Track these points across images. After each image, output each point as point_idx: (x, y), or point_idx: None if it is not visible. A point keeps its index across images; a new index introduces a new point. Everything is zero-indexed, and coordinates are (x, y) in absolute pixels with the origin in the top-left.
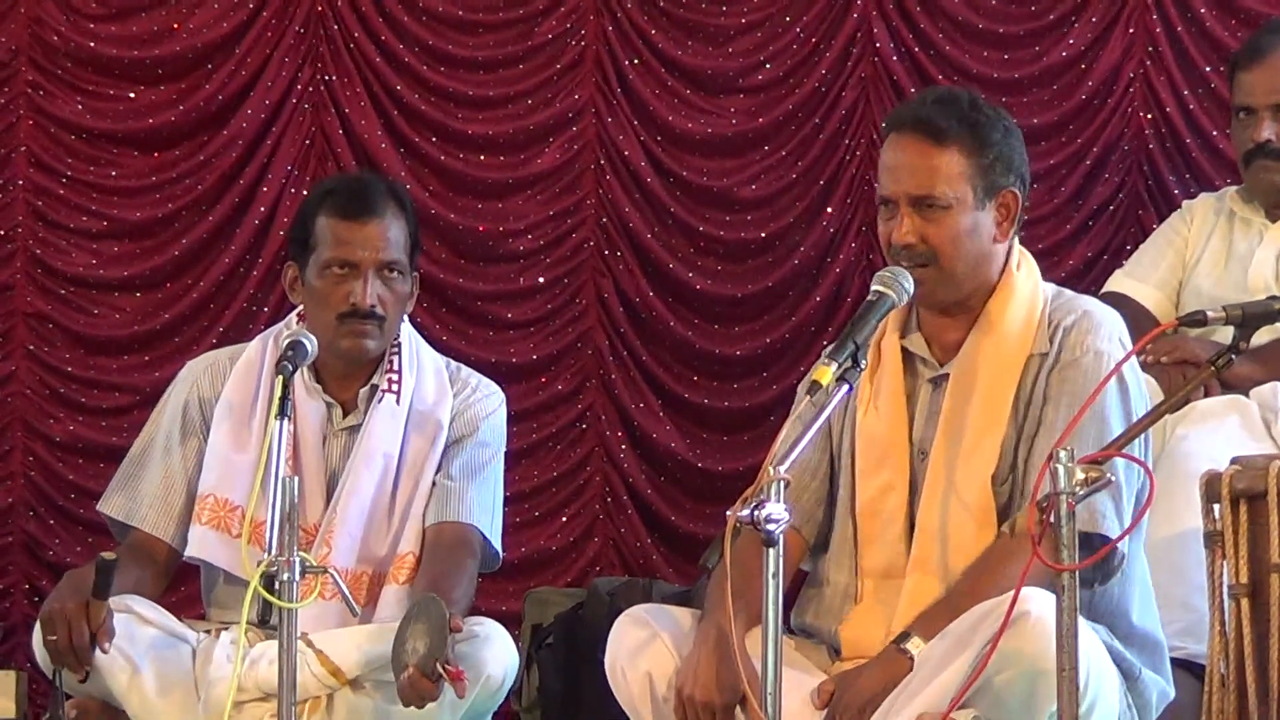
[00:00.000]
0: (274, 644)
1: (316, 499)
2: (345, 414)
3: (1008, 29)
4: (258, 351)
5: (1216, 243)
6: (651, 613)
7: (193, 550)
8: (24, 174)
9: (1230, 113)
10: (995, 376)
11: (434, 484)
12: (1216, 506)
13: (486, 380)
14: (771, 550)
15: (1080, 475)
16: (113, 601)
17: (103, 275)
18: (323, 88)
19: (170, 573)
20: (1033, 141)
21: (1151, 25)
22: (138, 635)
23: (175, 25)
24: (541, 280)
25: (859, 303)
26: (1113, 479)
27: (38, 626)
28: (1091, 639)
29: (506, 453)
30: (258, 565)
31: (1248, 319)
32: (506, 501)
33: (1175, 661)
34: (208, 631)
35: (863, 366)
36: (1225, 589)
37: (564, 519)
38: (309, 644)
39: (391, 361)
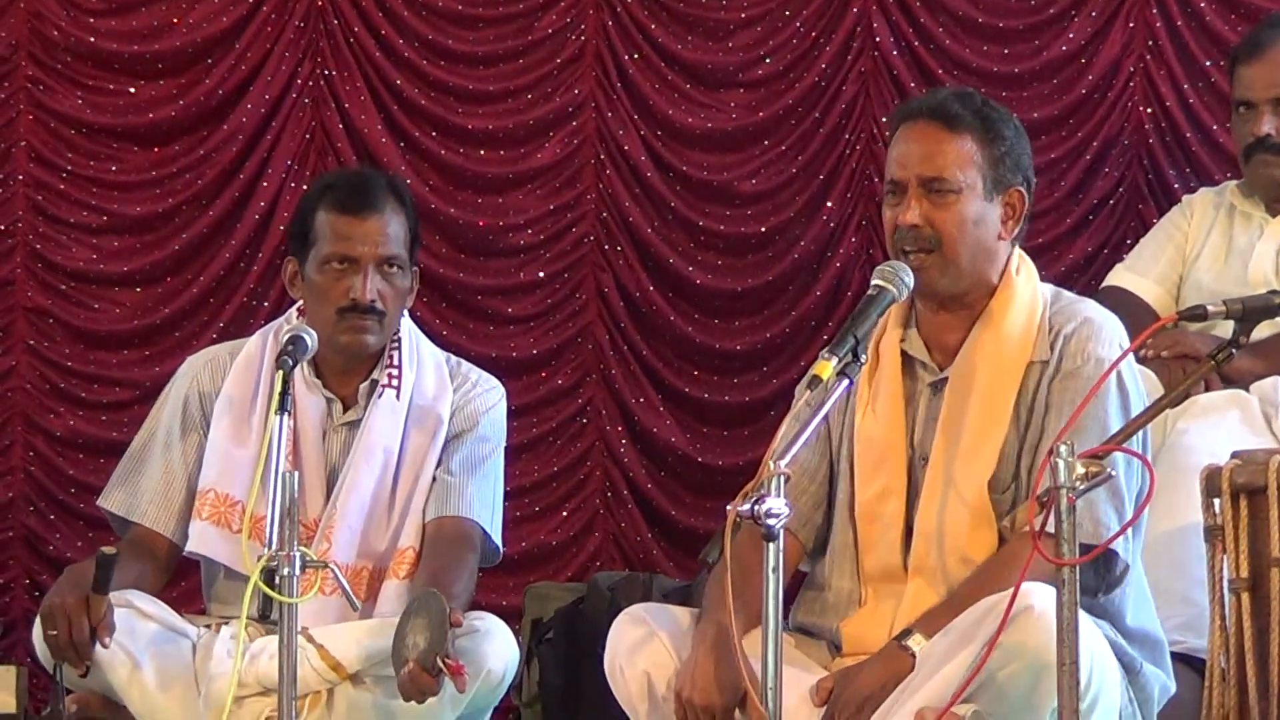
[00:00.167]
0: (274, 639)
1: (317, 494)
2: (345, 409)
3: (1007, 23)
4: (258, 346)
5: (1217, 237)
6: (650, 611)
7: (193, 545)
8: (24, 169)
9: (1230, 107)
10: (994, 382)
11: (434, 479)
12: (1217, 501)
13: (487, 375)
14: (772, 545)
15: (1080, 470)
16: (113, 596)
17: (103, 270)
18: (322, 82)
19: (171, 568)
20: (1033, 136)
21: (1151, 19)
22: (138, 630)
23: (175, 20)
24: (541, 275)
25: (859, 297)
26: (1112, 473)
27: (38, 621)
28: (1093, 633)
29: (507, 447)
30: (258, 560)
31: (1248, 313)
32: (507, 496)
33: (1176, 656)
34: (208, 626)
35: (863, 361)
36: (1225, 583)
37: (564, 514)
38: (309, 639)
39: (391, 356)
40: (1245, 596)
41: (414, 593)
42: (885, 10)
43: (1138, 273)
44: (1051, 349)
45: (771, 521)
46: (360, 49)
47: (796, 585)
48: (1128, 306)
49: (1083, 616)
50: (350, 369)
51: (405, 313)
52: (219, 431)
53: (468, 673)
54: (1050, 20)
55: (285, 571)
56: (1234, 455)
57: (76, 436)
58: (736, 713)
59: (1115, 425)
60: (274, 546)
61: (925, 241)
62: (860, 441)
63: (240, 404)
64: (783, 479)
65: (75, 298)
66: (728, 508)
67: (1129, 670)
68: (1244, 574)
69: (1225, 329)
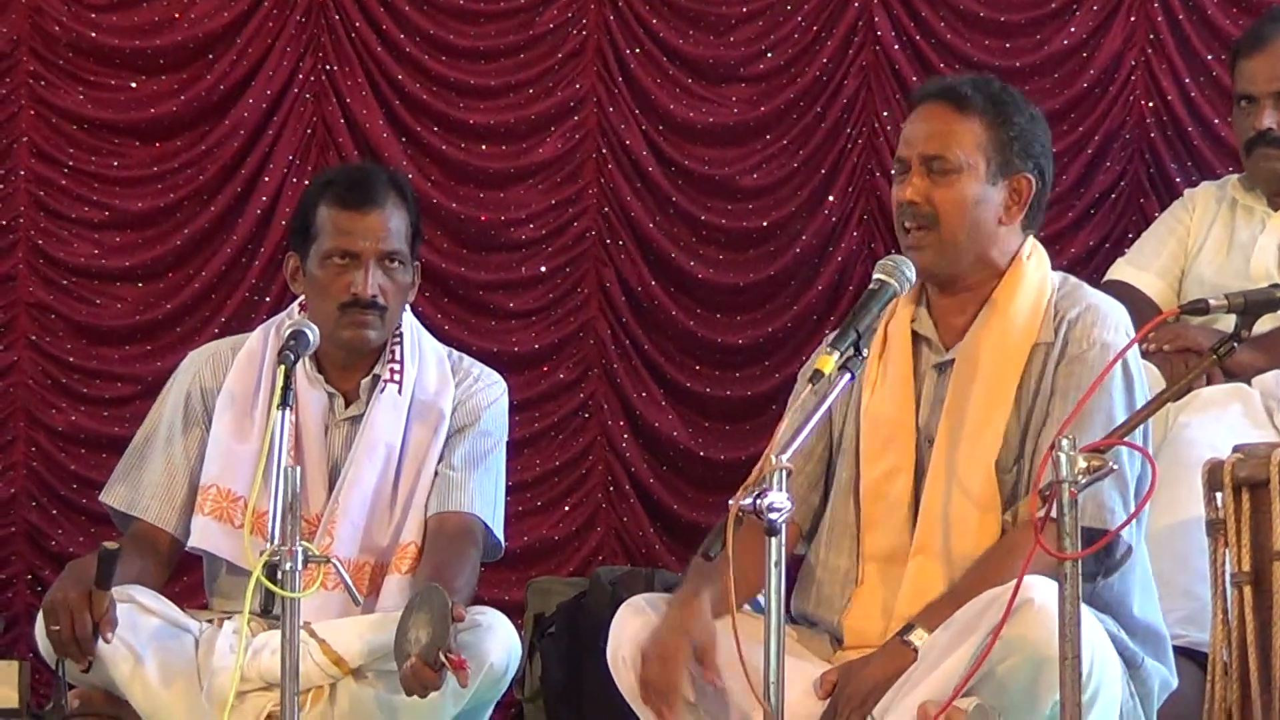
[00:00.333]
0: (277, 634)
1: (319, 489)
2: (347, 404)
3: (1009, 17)
4: (259, 342)
5: (1218, 231)
6: (652, 602)
7: (195, 541)
8: (26, 164)
9: (1232, 100)
10: (999, 363)
11: (436, 474)
12: (1219, 495)
13: (488, 370)
14: (774, 539)
15: (1082, 464)
16: (115, 591)
17: (105, 265)
18: (324, 77)
19: (173, 563)
20: None
21: (1153, 13)
22: (140, 625)
23: (176, 15)
24: (543, 269)
25: (861, 291)
26: (1115, 467)
27: (40, 617)
28: (1095, 627)
29: (508, 442)
30: (260, 555)
31: (1250, 307)
32: (509, 491)
33: (1178, 650)
34: (210, 621)
35: (865, 355)
36: (1227, 577)
37: (566, 508)
38: (312, 634)
39: (393, 351)
40: (1247, 590)
41: (416, 588)
42: (887, 4)
43: (1139, 266)
44: (1056, 332)
45: (774, 516)
46: (361, 44)
47: (792, 572)
48: (1129, 300)
49: (1084, 610)
50: (352, 364)
51: (407, 308)
52: (221, 427)
53: (470, 667)
54: (1052, 14)
55: (287, 566)
56: (1236, 449)
57: (78, 432)
58: (687, 689)
59: (1120, 412)
60: (276, 541)
61: (923, 219)
62: (867, 420)
63: (242, 399)
64: (784, 473)
65: (77, 293)
66: (729, 502)
67: (1130, 664)
68: (1246, 568)
69: (1227, 323)
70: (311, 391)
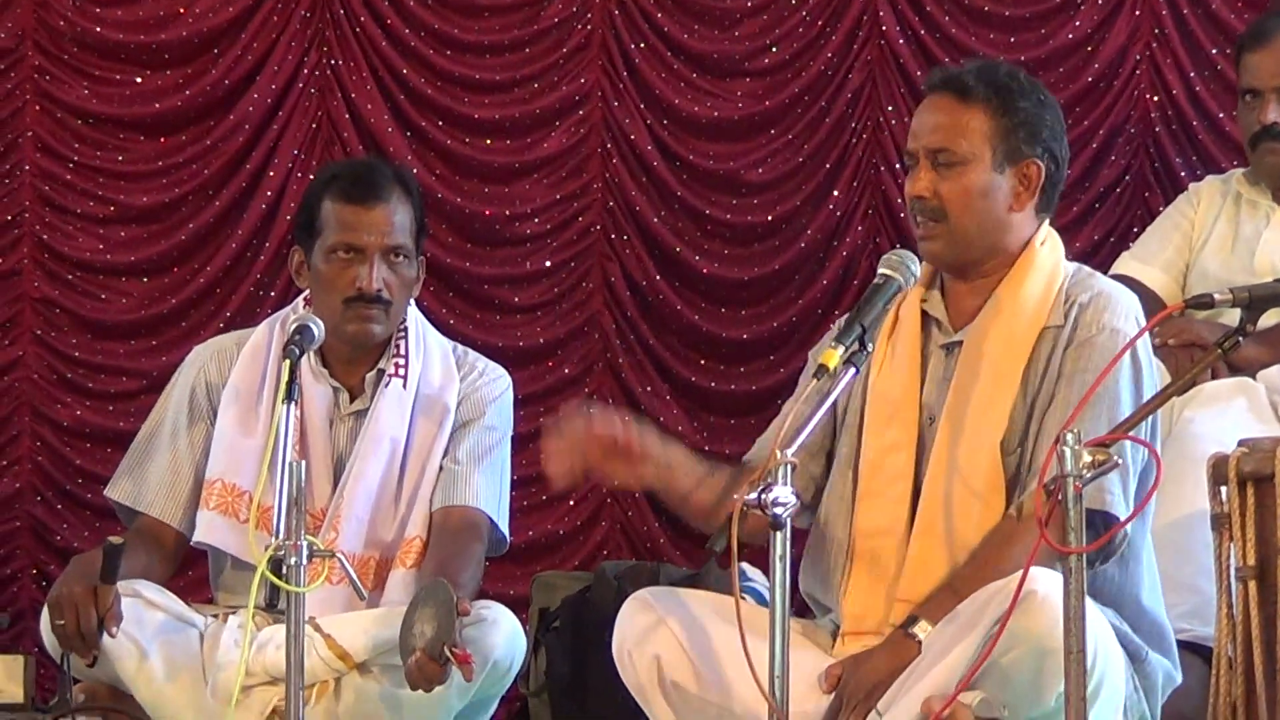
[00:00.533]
0: (281, 628)
1: (324, 483)
2: (352, 398)
3: (1013, 11)
4: (264, 336)
5: (1223, 225)
6: (658, 596)
7: (200, 535)
8: (30, 159)
9: (1237, 95)
10: (1007, 347)
11: (441, 468)
12: (1224, 489)
13: (493, 364)
14: (779, 534)
15: (1087, 458)
16: (120, 586)
17: (110, 260)
18: (329, 72)
19: (178, 557)
20: None
21: (1158, 7)
22: (145, 620)
23: (181, 10)
24: (548, 264)
25: (866, 286)
26: (1119, 461)
27: (45, 611)
28: (1099, 619)
29: (513, 436)
30: (265, 550)
31: (1255, 301)
32: (514, 485)
33: (1182, 644)
34: (215, 616)
35: (870, 350)
36: (1232, 571)
37: (571, 503)
38: (316, 628)
39: (398, 346)
40: (1252, 584)
41: (421, 582)
42: None
43: (1144, 261)
44: (1066, 316)
45: (779, 510)
46: (366, 38)
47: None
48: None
49: (1088, 603)
50: (357, 358)
51: (412, 302)
52: (226, 421)
53: (474, 662)
54: (1056, 9)
55: (292, 561)
56: (1241, 443)
57: (83, 426)
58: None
59: (1126, 400)
60: (281, 536)
61: (932, 212)
62: (874, 395)
63: (247, 394)
64: (789, 468)
65: (82, 288)
66: (734, 496)
67: (1134, 658)
68: (1251, 562)
69: (1232, 317)
70: (316, 386)
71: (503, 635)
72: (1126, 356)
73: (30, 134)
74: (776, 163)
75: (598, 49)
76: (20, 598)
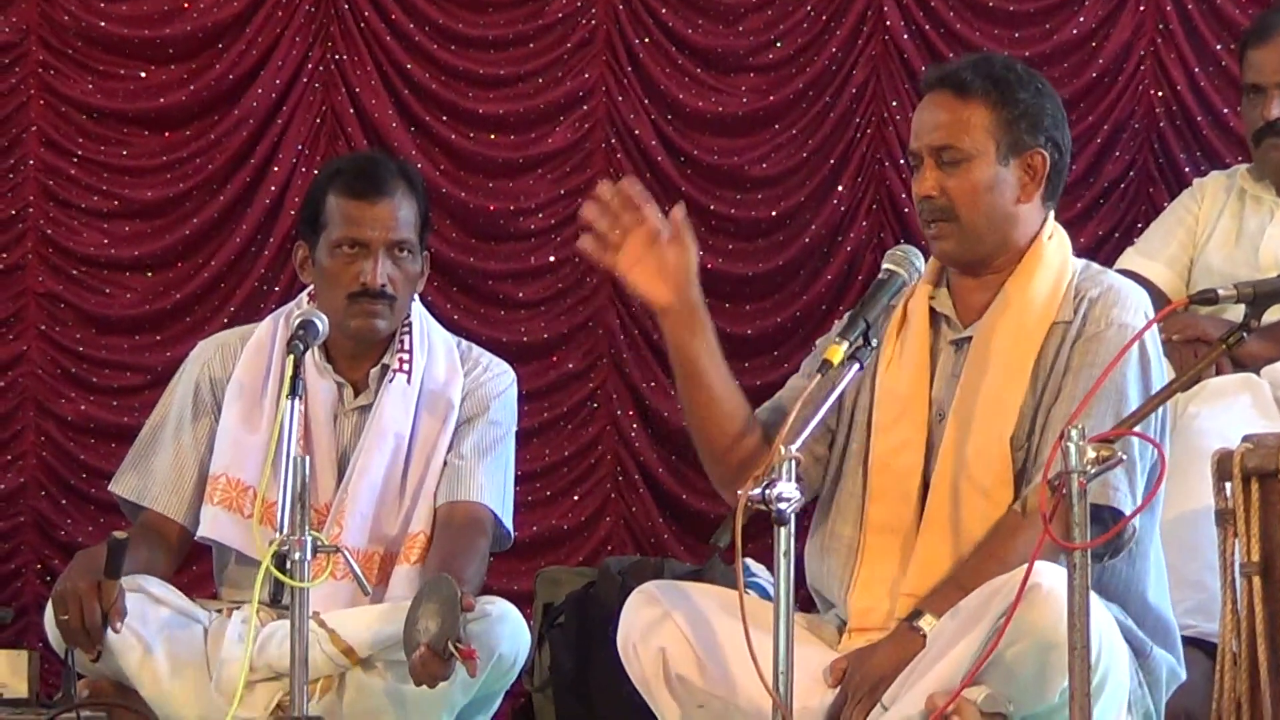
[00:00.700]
0: (286, 623)
1: (328, 479)
2: (356, 394)
3: (1018, 6)
4: (268, 331)
5: (1227, 220)
6: (663, 590)
7: (204, 530)
8: (35, 154)
9: (1241, 90)
10: (1016, 342)
11: (445, 463)
12: (1228, 485)
13: (497, 359)
14: (783, 529)
15: (1091, 454)
16: (125, 581)
17: (114, 255)
18: (333, 67)
19: (182, 552)
20: None
21: (1162, 2)
22: (150, 615)
23: (185, 4)
24: (552, 259)
25: (870, 281)
26: (1124, 458)
27: (49, 606)
28: (1103, 613)
29: (518, 432)
30: (269, 545)
31: (1259, 297)
32: (518, 481)
33: (1187, 640)
34: (219, 611)
35: (874, 345)
36: (1237, 567)
37: (575, 498)
38: (321, 623)
39: (402, 341)
40: (1257, 580)
41: (425, 577)
42: None
43: (1148, 256)
44: (1075, 311)
45: (782, 506)
46: (371, 33)
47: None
48: None
49: (1093, 598)
50: (361, 354)
51: (416, 297)
52: (230, 417)
53: (479, 657)
54: (1061, 4)
55: (296, 556)
56: (1245, 439)
57: (87, 421)
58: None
59: (1133, 394)
60: (285, 531)
61: (940, 211)
62: (882, 392)
63: (251, 389)
64: (793, 463)
65: (86, 283)
66: (739, 492)
67: (1139, 653)
68: (1255, 558)
69: (1236, 312)
70: (320, 381)
71: (507, 630)
72: (1135, 352)
73: (34, 129)
74: (780, 158)
75: (602, 44)
76: (24, 593)
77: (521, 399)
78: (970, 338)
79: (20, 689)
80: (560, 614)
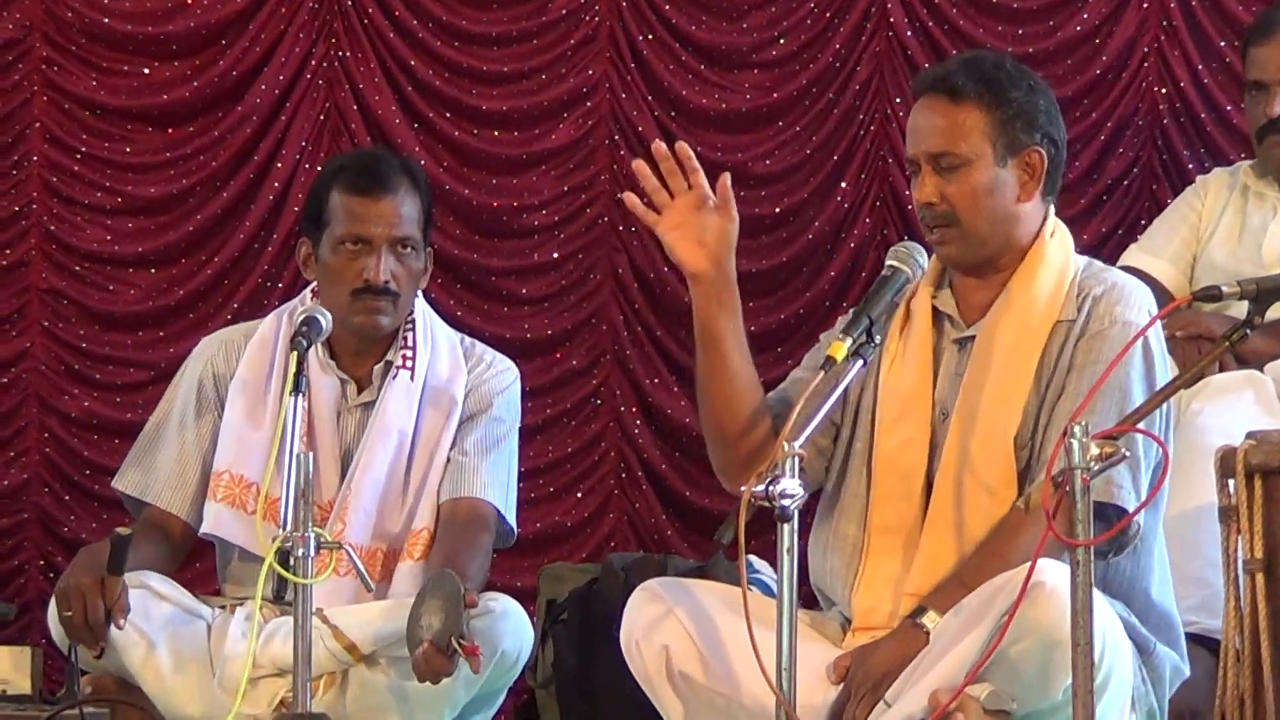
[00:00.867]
0: (289, 620)
1: (331, 475)
2: (360, 390)
3: (1021, 3)
4: (272, 328)
5: (1230, 217)
6: (666, 586)
7: (208, 527)
8: (38, 150)
9: (1243, 88)
10: (1019, 341)
11: (448, 460)
12: (1231, 481)
13: (501, 356)
14: (786, 525)
15: (1095, 450)
16: (128, 577)
17: (117, 251)
18: (337, 63)
19: (186, 549)
20: None
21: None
22: (153, 611)
23: (189, 1)
24: (556, 256)
25: (873, 278)
26: (1127, 454)
27: (53, 603)
28: (1107, 611)
29: (521, 428)
30: (273, 541)
31: (1262, 293)
32: (521, 477)
33: (1190, 636)
34: (223, 607)
35: (878, 342)
36: (1240, 564)
37: (579, 494)
38: (324, 620)
39: (406, 338)
40: (1260, 577)
41: (428, 574)
42: None
43: (1151, 253)
44: (1079, 310)
45: (785, 502)
46: (374, 30)
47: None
48: None
49: (1096, 594)
50: (364, 350)
51: (419, 294)
52: (233, 413)
53: (482, 654)
54: (1064, 0)
55: (300, 553)
56: (1248, 436)
57: (91, 418)
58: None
59: (1137, 391)
60: (289, 528)
61: (942, 217)
62: (885, 392)
63: (254, 385)
64: (797, 460)
65: (90, 279)
66: (742, 488)
67: (1142, 650)
68: (1259, 555)
69: (1239, 309)
70: (324, 378)
71: (510, 627)
72: (1138, 349)
73: (38, 125)
74: (784, 155)
75: (605, 41)
76: (28, 589)
77: (525, 395)
78: (973, 336)
79: (23, 685)
80: (563, 610)
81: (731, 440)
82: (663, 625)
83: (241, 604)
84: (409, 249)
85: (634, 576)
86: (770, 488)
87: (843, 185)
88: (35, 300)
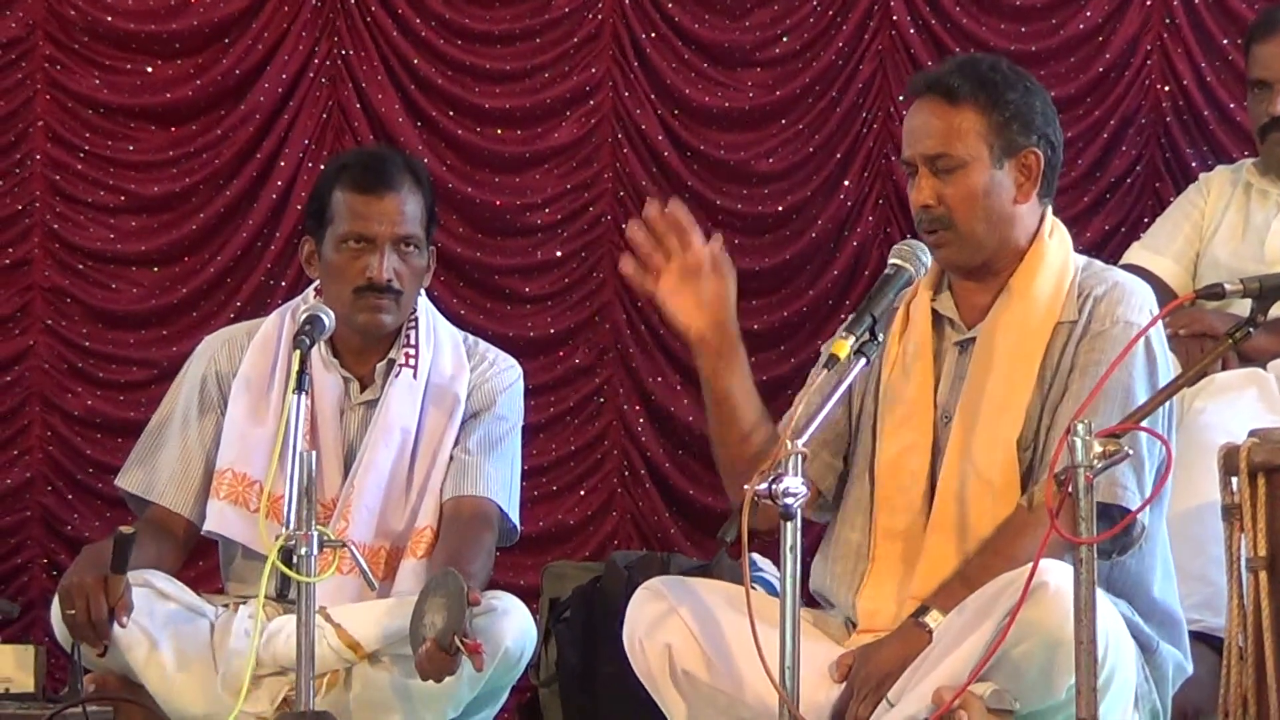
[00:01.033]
0: (292, 618)
1: (334, 473)
2: (363, 388)
3: (1024, 1)
4: (275, 326)
5: (1233, 215)
6: (669, 585)
7: (211, 525)
8: (41, 149)
9: (1246, 85)
10: (1021, 343)
11: (451, 458)
12: (1234, 479)
13: (504, 354)
14: (789, 524)
15: (1098, 448)
16: (131, 576)
17: (120, 250)
18: (340, 62)
19: (189, 547)
20: None
21: None
22: (156, 609)
23: (191, 0)
24: (559, 254)
25: (876, 276)
26: (1130, 452)
27: (56, 601)
28: (1109, 610)
29: (524, 426)
30: (276, 539)
31: (1265, 291)
32: (524, 475)
33: (1193, 635)
34: (226, 606)
35: (880, 340)
36: (1243, 562)
37: (582, 493)
38: (327, 618)
39: (409, 336)
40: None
41: (432, 572)
42: None
43: (1154, 251)
44: (1080, 311)
45: (789, 500)
46: (377, 28)
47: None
48: None
49: (1099, 594)
50: (367, 348)
51: (422, 292)
52: (236, 411)
53: (485, 652)
54: None
55: (303, 551)
56: (1252, 433)
57: (94, 416)
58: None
59: (1139, 391)
60: (292, 526)
61: (939, 220)
62: (886, 398)
63: (258, 384)
64: (800, 458)
65: (92, 277)
66: (745, 486)
67: (1145, 649)
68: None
69: (1242, 307)
70: (327, 376)
71: (513, 625)
72: (1141, 348)
73: (41, 124)
74: (787, 153)
75: (608, 39)
76: (31, 588)
77: (528, 394)
78: (974, 339)
79: (27, 684)
80: (566, 609)
81: (744, 471)
82: (666, 624)
83: (244, 602)
84: (412, 247)
85: (637, 575)
86: (773, 486)
87: (845, 183)
88: (38, 299)
